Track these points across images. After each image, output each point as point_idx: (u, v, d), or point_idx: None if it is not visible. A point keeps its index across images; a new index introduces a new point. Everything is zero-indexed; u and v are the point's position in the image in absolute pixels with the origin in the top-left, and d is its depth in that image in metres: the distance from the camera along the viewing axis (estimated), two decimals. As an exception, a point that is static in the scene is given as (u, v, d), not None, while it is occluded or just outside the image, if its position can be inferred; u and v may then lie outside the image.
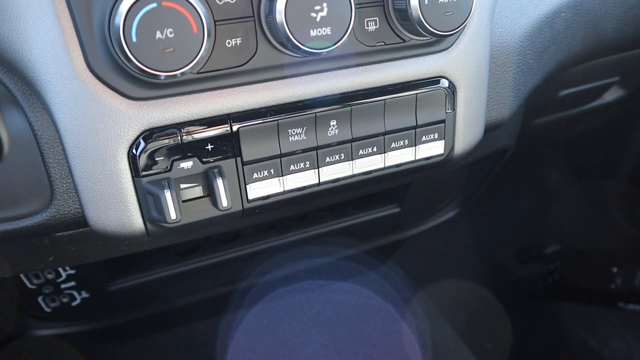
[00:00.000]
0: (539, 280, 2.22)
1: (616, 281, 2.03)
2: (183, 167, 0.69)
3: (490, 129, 0.97)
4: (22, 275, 1.31)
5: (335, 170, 0.78)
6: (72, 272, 1.35)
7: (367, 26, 0.72)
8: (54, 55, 0.61)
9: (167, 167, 0.68)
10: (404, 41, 0.75)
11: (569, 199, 2.22)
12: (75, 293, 1.42)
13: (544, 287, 2.21)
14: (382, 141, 0.79)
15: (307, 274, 1.98)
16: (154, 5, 0.56)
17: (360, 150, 0.78)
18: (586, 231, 2.20)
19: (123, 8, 0.56)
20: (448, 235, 2.07)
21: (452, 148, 0.87)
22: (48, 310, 1.44)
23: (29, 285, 1.34)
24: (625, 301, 1.97)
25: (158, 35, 0.57)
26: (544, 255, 2.25)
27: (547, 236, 2.27)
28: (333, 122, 0.75)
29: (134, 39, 0.56)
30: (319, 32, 0.64)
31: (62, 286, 1.38)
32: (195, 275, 1.50)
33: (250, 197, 0.74)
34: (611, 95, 1.54)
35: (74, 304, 1.44)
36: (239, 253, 1.50)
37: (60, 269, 1.34)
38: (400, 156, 0.82)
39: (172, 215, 0.68)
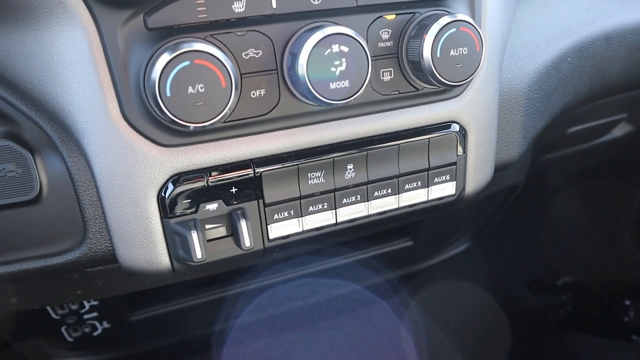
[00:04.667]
0: (551, 312, 2.20)
1: (629, 314, 2.00)
2: (209, 209, 0.73)
3: (500, 169, 1.01)
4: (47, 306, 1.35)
5: (352, 211, 0.82)
6: (95, 303, 1.39)
7: (383, 76, 0.76)
8: (92, 106, 0.66)
9: (193, 209, 0.72)
10: (417, 90, 0.79)
11: (581, 230, 2.22)
12: (97, 323, 1.46)
13: (556, 318, 2.19)
14: (396, 183, 0.83)
15: (321, 306, 2.00)
16: (187, 63, 0.61)
17: (376, 192, 0.82)
18: (598, 263, 2.19)
19: (159, 65, 0.60)
20: (460, 267, 2.08)
21: (464, 188, 0.90)
22: (70, 339, 1.47)
23: (53, 315, 1.37)
24: (639, 334, 1.95)
25: (190, 90, 0.62)
26: (556, 287, 2.24)
27: (559, 267, 2.26)
28: (350, 166, 0.79)
29: (168, 94, 0.61)
30: (338, 84, 0.69)
31: (85, 317, 1.42)
32: (212, 306, 1.53)
33: (271, 236, 0.78)
34: (620, 130, 1.56)
35: (95, 333, 1.48)
36: (256, 285, 1.53)
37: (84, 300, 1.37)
38: (414, 197, 0.85)
39: (199, 254, 0.71)
